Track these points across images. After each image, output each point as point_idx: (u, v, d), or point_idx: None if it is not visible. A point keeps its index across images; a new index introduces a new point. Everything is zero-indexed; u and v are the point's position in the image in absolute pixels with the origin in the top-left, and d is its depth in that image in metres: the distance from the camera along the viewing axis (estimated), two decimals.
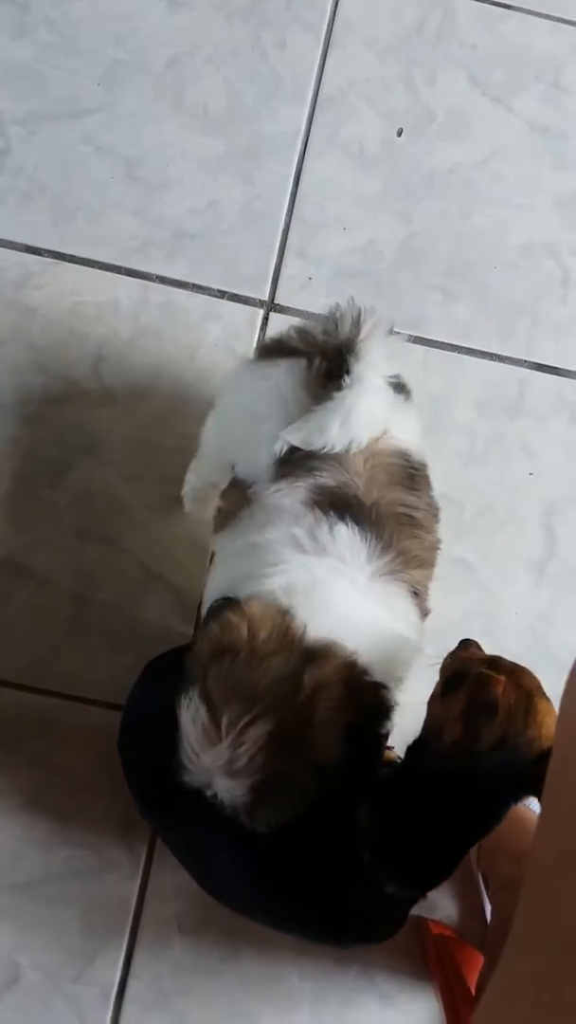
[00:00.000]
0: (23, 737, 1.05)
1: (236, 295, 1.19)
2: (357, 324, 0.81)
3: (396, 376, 0.85)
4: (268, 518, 0.78)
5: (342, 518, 0.76)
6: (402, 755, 1.03)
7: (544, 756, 0.69)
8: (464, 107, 1.28)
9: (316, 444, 0.78)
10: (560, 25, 1.33)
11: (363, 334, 0.81)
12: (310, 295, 1.20)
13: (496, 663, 0.75)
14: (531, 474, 1.16)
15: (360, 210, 1.23)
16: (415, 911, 0.91)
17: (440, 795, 0.72)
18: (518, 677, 0.75)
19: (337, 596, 0.73)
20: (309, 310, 1.18)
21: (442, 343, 1.19)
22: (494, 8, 1.32)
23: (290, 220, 1.21)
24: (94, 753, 1.03)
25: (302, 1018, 1.00)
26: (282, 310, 1.19)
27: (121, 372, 1.16)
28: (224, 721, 0.61)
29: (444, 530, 1.12)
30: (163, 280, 1.18)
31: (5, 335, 1.16)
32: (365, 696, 0.67)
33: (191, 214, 1.20)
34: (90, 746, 1.04)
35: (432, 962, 0.95)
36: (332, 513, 0.76)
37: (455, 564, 1.12)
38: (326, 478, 0.78)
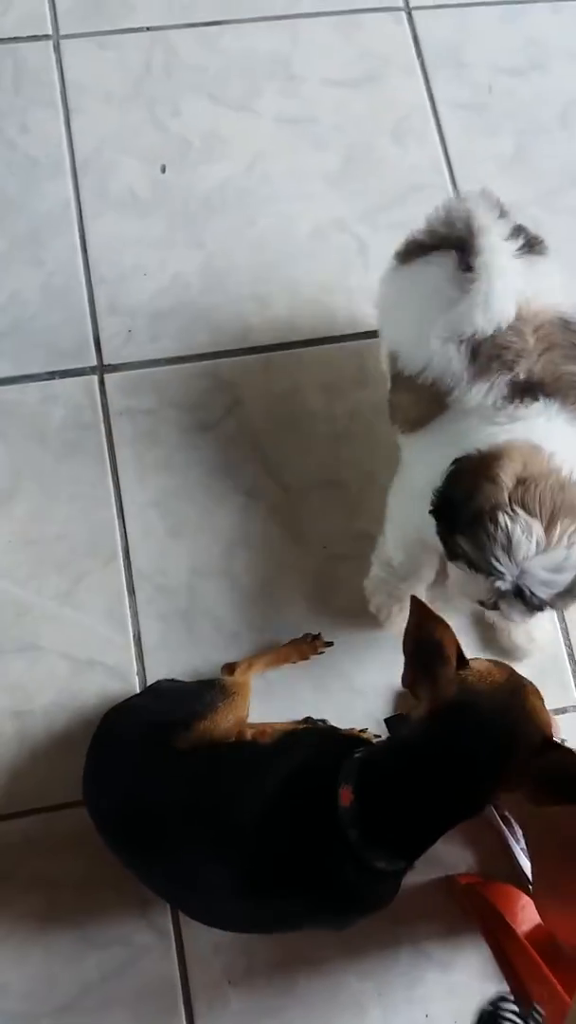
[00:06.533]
0: (14, 864, 1.03)
1: (66, 371, 1.20)
2: (467, 222, 0.91)
3: (521, 237, 0.92)
4: (466, 411, 0.90)
5: (535, 397, 0.88)
6: (376, 735, 1.06)
7: (544, 746, 0.72)
8: (214, 126, 1.33)
9: (467, 332, 0.89)
10: (272, 22, 1.39)
11: (475, 229, 0.90)
12: (136, 345, 1.22)
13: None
14: None
15: (153, 252, 1.26)
16: (439, 873, 0.94)
17: (426, 769, 0.74)
18: (512, 673, 0.77)
19: (560, 432, 0.87)
20: (141, 359, 1.21)
21: (274, 345, 1.23)
22: (207, 28, 1.37)
23: (91, 284, 1.24)
24: (87, 852, 1.02)
25: (376, 1014, 1.01)
26: (114, 368, 1.21)
27: None
28: (558, 531, 0.77)
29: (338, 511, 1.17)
30: None
31: None
32: None
33: None
34: (80, 848, 1.02)
35: (469, 912, 0.97)
36: (527, 397, 0.88)
37: None
38: (519, 371, 0.88)
